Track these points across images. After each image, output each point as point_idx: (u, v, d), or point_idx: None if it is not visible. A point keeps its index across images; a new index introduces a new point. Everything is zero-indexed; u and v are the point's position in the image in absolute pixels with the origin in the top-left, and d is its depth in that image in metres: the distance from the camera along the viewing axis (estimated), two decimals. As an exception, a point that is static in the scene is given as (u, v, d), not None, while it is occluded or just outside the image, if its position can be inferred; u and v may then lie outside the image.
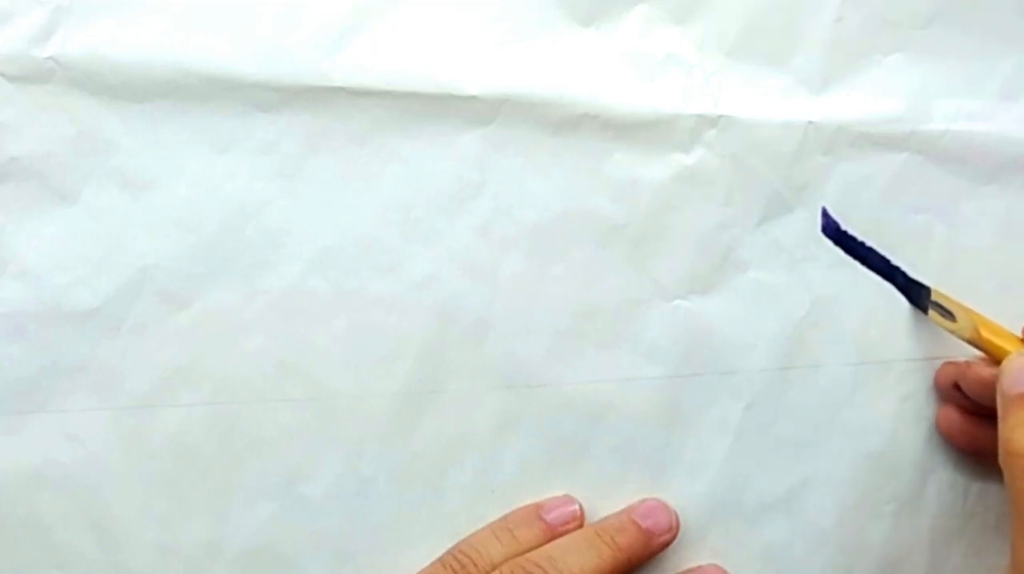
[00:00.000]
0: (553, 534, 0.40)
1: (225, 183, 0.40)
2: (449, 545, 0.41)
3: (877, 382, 0.43)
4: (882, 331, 0.43)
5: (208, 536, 0.40)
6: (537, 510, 0.41)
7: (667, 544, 0.41)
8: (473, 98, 0.40)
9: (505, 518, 0.41)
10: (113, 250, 0.39)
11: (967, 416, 0.42)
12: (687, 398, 0.42)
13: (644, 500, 0.41)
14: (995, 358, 0.39)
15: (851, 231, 0.42)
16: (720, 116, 0.41)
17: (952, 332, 0.41)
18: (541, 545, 0.39)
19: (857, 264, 0.43)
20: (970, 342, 0.40)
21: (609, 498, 0.42)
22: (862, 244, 0.42)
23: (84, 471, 0.39)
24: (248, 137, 0.39)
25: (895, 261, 0.43)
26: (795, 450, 0.43)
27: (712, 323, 0.42)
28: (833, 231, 0.42)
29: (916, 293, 0.42)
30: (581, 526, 0.41)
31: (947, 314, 0.41)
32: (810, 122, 0.42)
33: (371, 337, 0.41)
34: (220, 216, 0.40)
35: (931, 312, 0.42)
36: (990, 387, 0.38)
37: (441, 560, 0.40)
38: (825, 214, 0.42)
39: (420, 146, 0.40)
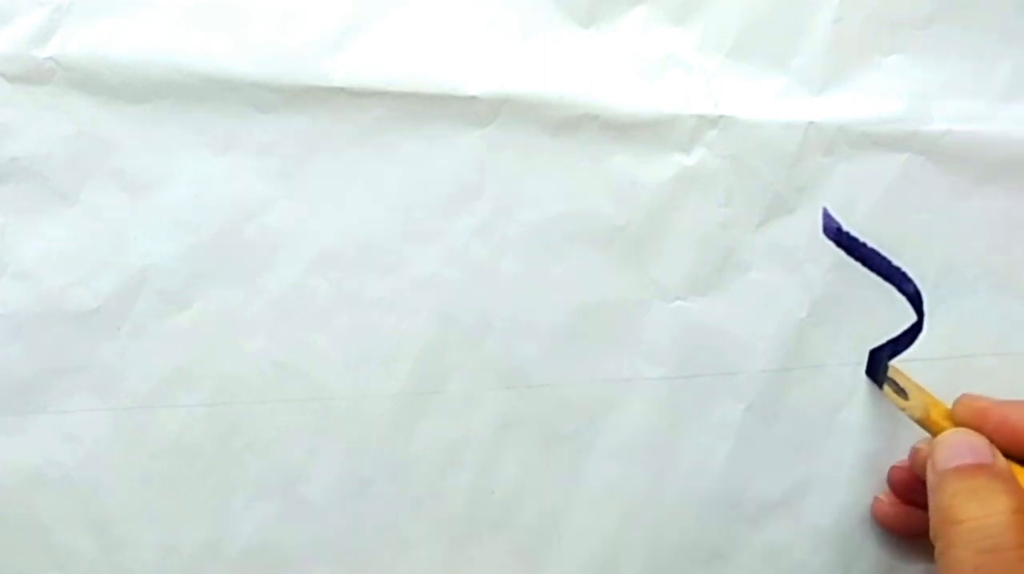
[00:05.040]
0: None
1: (225, 183, 0.39)
2: (449, 546, 0.41)
3: (877, 382, 0.43)
4: (882, 331, 0.43)
5: (208, 536, 0.40)
6: None
7: None
8: (473, 98, 0.40)
9: None
10: (113, 250, 0.39)
11: (900, 507, 0.42)
12: (687, 399, 0.42)
13: None
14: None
15: (852, 232, 0.42)
16: (720, 116, 0.41)
17: (903, 410, 0.41)
18: None
19: (858, 265, 0.43)
20: (919, 422, 0.41)
21: (609, 498, 0.42)
22: (863, 245, 0.42)
23: (84, 471, 0.39)
24: (248, 137, 0.39)
25: (896, 262, 0.43)
26: (795, 450, 0.43)
27: (713, 324, 0.42)
28: (834, 232, 0.42)
29: (874, 366, 0.43)
30: None
31: (901, 392, 0.41)
32: (811, 122, 0.42)
33: (371, 337, 0.41)
34: (220, 216, 0.40)
35: (886, 387, 0.42)
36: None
37: None
38: (826, 215, 0.42)
39: (420, 147, 0.40)
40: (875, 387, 0.43)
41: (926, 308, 0.43)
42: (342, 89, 0.40)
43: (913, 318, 0.43)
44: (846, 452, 0.43)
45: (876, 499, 0.43)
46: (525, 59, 0.40)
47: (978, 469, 0.37)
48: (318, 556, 0.41)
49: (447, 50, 0.40)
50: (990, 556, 0.35)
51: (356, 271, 0.40)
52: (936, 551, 0.37)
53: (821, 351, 0.43)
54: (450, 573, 0.41)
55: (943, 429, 0.40)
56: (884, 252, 0.43)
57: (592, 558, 0.42)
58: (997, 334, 0.44)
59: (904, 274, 0.43)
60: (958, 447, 0.38)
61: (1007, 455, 0.38)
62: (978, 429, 0.39)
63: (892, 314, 0.43)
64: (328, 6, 0.40)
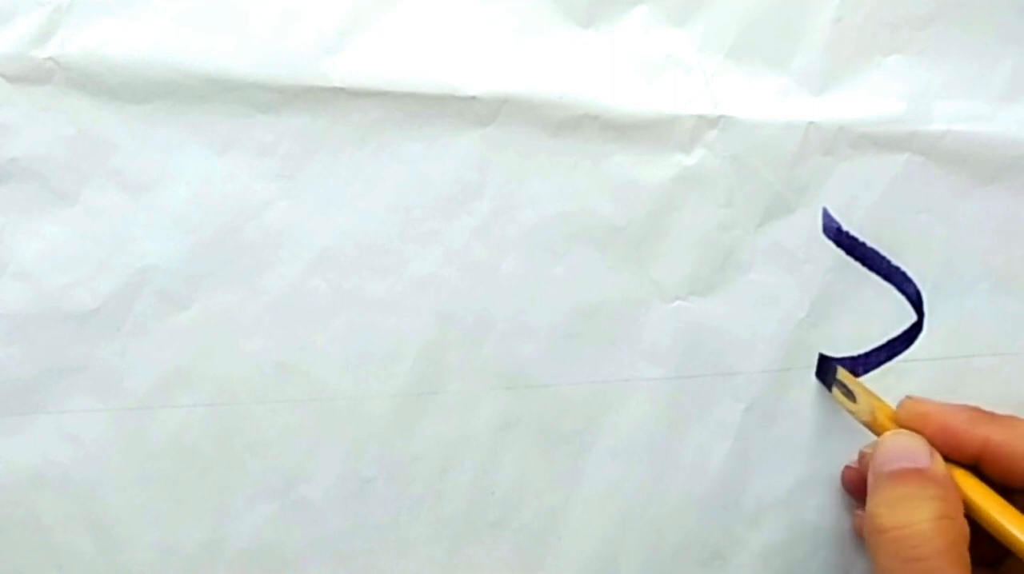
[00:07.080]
0: None
1: (224, 184, 0.39)
2: (449, 546, 0.41)
3: (876, 383, 0.43)
4: (882, 331, 0.43)
5: (208, 536, 0.40)
6: None
7: None
8: (473, 98, 0.40)
9: None
10: (113, 250, 0.39)
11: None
12: (687, 399, 0.42)
13: None
14: None
15: (852, 232, 0.42)
16: (720, 117, 0.41)
17: (851, 413, 0.41)
18: None
19: (858, 265, 0.43)
20: (866, 425, 0.41)
21: (609, 498, 0.42)
22: (863, 245, 0.42)
23: (84, 472, 0.39)
24: (247, 138, 0.39)
25: (896, 262, 0.43)
26: (795, 450, 0.43)
27: (712, 324, 0.42)
28: (834, 232, 0.42)
29: (824, 369, 0.43)
30: None
31: (849, 394, 0.41)
32: (811, 123, 0.42)
33: (371, 337, 0.41)
34: (220, 216, 0.40)
35: (834, 390, 0.42)
36: None
37: None
38: (826, 215, 0.42)
39: (420, 147, 0.40)
40: (873, 384, 0.42)
41: (926, 308, 0.43)
42: (342, 89, 0.40)
43: (913, 318, 0.43)
44: (846, 452, 0.43)
45: (856, 515, 0.43)
46: (525, 59, 0.40)
47: (911, 474, 0.37)
48: (318, 556, 0.41)
49: (447, 50, 0.40)
50: (913, 565, 0.35)
51: (356, 271, 0.40)
52: (868, 554, 0.37)
53: (820, 351, 0.43)
54: (450, 573, 0.41)
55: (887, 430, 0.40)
56: (884, 252, 0.43)
57: (592, 558, 0.42)
58: (997, 334, 0.44)
59: (904, 274, 0.43)
60: (895, 450, 0.38)
61: (948, 458, 0.38)
62: (920, 432, 0.39)
63: (892, 314, 0.43)
64: (328, 6, 0.40)
